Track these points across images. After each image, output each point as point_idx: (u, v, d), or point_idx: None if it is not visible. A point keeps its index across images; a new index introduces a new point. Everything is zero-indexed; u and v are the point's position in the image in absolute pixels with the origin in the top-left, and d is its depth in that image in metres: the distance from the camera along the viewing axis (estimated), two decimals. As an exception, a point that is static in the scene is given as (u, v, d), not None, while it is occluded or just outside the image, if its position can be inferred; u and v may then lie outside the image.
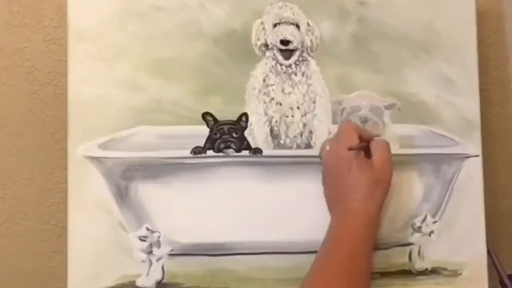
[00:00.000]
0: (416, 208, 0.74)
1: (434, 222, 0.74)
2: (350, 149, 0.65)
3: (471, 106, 0.76)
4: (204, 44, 0.71)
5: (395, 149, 0.73)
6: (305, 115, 0.73)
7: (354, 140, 0.66)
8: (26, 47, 0.74)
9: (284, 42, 0.72)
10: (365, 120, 0.72)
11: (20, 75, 0.75)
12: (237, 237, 0.70)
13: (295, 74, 0.73)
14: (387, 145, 0.68)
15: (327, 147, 0.69)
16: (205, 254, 0.70)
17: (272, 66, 0.73)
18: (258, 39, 0.72)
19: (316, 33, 0.73)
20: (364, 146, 0.66)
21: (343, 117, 0.73)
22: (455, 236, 0.74)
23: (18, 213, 0.75)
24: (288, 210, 0.71)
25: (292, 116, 0.73)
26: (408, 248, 0.73)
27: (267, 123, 0.72)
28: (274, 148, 0.72)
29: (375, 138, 0.69)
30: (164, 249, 0.69)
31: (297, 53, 0.73)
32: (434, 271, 0.73)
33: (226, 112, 0.71)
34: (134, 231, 0.69)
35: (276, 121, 0.72)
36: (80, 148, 0.68)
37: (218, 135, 0.70)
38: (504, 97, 0.85)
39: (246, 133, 0.71)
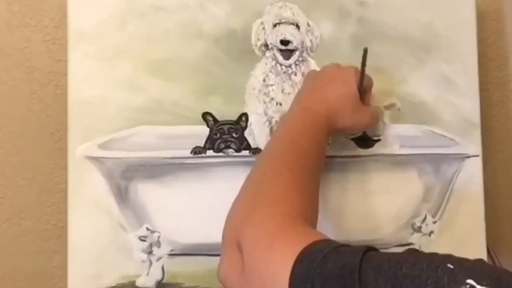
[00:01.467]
0: (416, 208, 0.74)
1: (434, 222, 0.74)
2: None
3: (471, 106, 0.76)
4: (204, 44, 0.71)
5: (395, 149, 0.73)
6: (305, 115, 0.73)
7: (356, 73, 0.66)
8: (26, 47, 0.74)
9: (284, 42, 0.72)
10: None
11: (20, 75, 0.75)
12: (237, 237, 0.70)
13: (295, 74, 0.73)
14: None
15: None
16: (205, 254, 0.70)
17: (272, 66, 0.73)
18: (258, 39, 0.72)
19: (316, 33, 0.73)
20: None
21: None
22: (455, 236, 0.74)
23: (18, 213, 0.75)
24: (288, 210, 0.71)
25: (292, 116, 0.72)
26: (408, 248, 0.73)
27: (267, 123, 0.72)
28: (274, 148, 0.72)
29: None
30: (164, 249, 0.69)
31: (297, 53, 0.73)
32: (434, 271, 0.73)
33: (226, 112, 0.71)
34: (134, 231, 0.69)
35: (276, 121, 0.72)
36: (80, 148, 0.68)
37: (218, 135, 0.70)
38: (504, 97, 0.85)
39: (246, 133, 0.71)
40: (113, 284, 0.68)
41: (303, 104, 0.64)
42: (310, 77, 0.69)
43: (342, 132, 0.67)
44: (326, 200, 0.71)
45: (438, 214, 0.74)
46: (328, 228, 0.69)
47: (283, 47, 0.72)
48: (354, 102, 0.65)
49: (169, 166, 0.69)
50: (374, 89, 0.73)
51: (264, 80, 0.72)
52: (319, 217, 0.69)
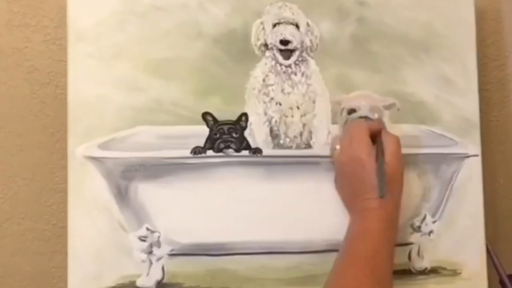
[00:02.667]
0: (415, 207, 0.74)
1: (434, 222, 0.74)
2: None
3: (471, 106, 0.76)
4: (204, 44, 0.71)
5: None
6: (305, 115, 0.73)
7: (365, 140, 0.67)
8: (26, 47, 0.74)
9: (284, 42, 0.72)
10: (364, 120, 0.72)
11: (20, 75, 0.75)
12: (237, 237, 0.70)
13: (295, 74, 0.73)
14: (396, 140, 0.68)
15: (337, 147, 0.69)
16: (205, 254, 0.70)
17: (272, 66, 0.73)
18: (258, 39, 0.72)
19: (315, 33, 0.73)
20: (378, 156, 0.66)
21: (343, 117, 0.73)
22: (455, 236, 0.74)
23: (18, 213, 0.75)
24: (288, 210, 0.71)
25: (292, 116, 0.73)
26: (407, 247, 0.73)
27: (267, 123, 0.72)
28: (274, 148, 0.72)
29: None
30: (164, 249, 0.69)
31: (297, 53, 0.73)
32: (433, 271, 0.73)
33: (226, 112, 0.71)
34: (134, 231, 0.69)
35: (276, 121, 0.72)
36: (80, 148, 0.68)
37: (218, 135, 0.70)
38: (504, 97, 0.85)
39: (246, 133, 0.71)
40: (113, 284, 0.68)
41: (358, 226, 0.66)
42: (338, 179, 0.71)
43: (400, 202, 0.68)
44: (326, 200, 0.71)
45: (438, 214, 0.74)
46: (328, 228, 0.69)
47: (282, 47, 0.72)
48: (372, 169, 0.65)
49: (169, 166, 0.69)
50: (373, 89, 0.74)
51: (264, 80, 0.72)
52: (320, 215, 0.69)
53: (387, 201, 0.65)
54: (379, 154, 0.66)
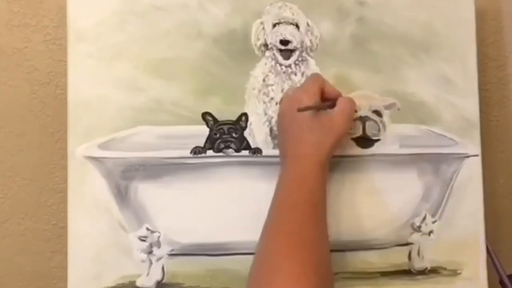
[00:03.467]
0: (415, 207, 0.74)
1: (434, 222, 0.74)
2: (298, 110, 0.64)
3: (471, 106, 0.76)
4: (204, 44, 0.71)
5: (395, 149, 0.73)
6: (305, 115, 0.73)
7: (312, 90, 0.66)
8: (26, 47, 0.74)
9: (284, 42, 0.72)
10: (364, 120, 0.72)
11: (20, 75, 0.75)
12: (237, 237, 0.70)
13: (295, 74, 0.73)
14: (351, 101, 0.67)
15: (289, 92, 0.69)
16: (205, 254, 0.70)
17: (272, 66, 0.73)
18: (258, 39, 0.72)
19: (315, 33, 0.73)
20: (314, 107, 0.65)
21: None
22: (455, 236, 0.74)
23: (18, 213, 0.75)
24: (288, 210, 0.71)
25: (292, 116, 0.73)
26: (407, 247, 0.73)
27: (267, 123, 0.72)
28: (274, 148, 0.72)
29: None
30: (164, 249, 0.69)
31: (297, 53, 0.73)
32: (433, 271, 0.73)
33: (226, 112, 0.71)
34: (134, 231, 0.69)
35: (276, 121, 0.72)
36: (80, 148, 0.68)
37: (218, 135, 0.70)
38: (504, 97, 0.85)
39: (246, 133, 0.71)
40: (113, 284, 0.68)
41: (288, 168, 0.65)
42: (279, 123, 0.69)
43: (332, 151, 0.67)
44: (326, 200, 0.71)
45: (438, 214, 0.74)
46: (328, 228, 0.69)
47: (282, 47, 0.72)
48: (312, 124, 0.65)
49: (169, 166, 0.69)
50: (373, 89, 0.73)
51: (264, 80, 0.72)
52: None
53: (321, 150, 0.64)
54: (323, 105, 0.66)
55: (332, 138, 0.65)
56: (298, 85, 0.72)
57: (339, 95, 0.68)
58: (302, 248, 0.59)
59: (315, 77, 0.68)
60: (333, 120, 0.65)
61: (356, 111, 0.69)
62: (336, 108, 0.66)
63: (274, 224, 0.62)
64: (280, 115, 0.68)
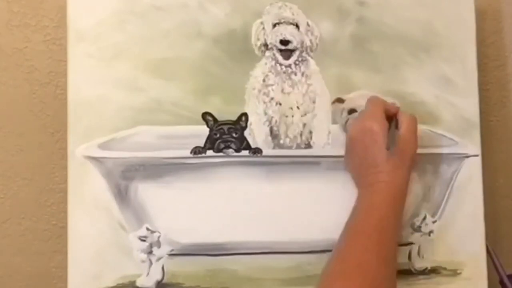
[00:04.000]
0: (415, 207, 0.74)
1: (434, 222, 0.74)
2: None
3: (471, 106, 0.76)
4: (204, 44, 0.71)
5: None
6: (305, 115, 0.73)
7: (379, 115, 0.67)
8: (26, 47, 0.75)
9: (284, 42, 0.72)
10: None
11: (20, 75, 0.75)
12: (237, 237, 0.70)
13: (295, 74, 0.73)
14: (413, 118, 0.68)
15: (356, 121, 0.69)
16: (205, 254, 0.70)
17: (272, 66, 0.73)
18: (258, 39, 0.72)
19: (315, 33, 0.73)
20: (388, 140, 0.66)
21: (343, 117, 0.73)
22: (455, 236, 0.74)
23: (18, 213, 0.75)
24: (288, 210, 0.71)
25: (292, 116, 0.73)
26: (407, 247, 0.73)
27: (267, 123, 0.72)
28: (274, 148, 0.72)
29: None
30: (164, 249, 0.69)
31: (297, 53, 0.73)
32: (433, 271, 0.73)
33: (226, 112, 0.71)
34: (134, 231, 0.69)
35: (276, 121, 0.72)
36: (80, 148, 0.68)
37: (218, 135, 0.70)
38: (504, 97, 0.85)
39: (246, 133, 0.71)
40: (113, 284, 0.68)
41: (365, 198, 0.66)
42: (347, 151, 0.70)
43: (410, 174, 0.67)
44: (326, 200, 0.71)
45: (438, 214, 0.74)
46: (328, 228, 0.69)
47: (282, 47, 0.72)
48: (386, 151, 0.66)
49: (169, 166, 0.69)
50: (374, 89, 0.73)
51: (264, 80, 0.72)
52: (320, 216, 0.69)
53: (396, 176, 0.65)
54: (392, 128, 0.67)
55: (407, 160, 0.66)
56: (298, 85, 0.72)
57: (398, 110, 0.70)
58: (358, 276, 0.60)
59: (375, 100, 0.69)
60: (403, 142, 0.67)
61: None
62: (402, 129, 0.67)
63: (338, 252, 0.63)
64: (352, 144, 0.69)
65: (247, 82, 0.72)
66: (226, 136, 0.71)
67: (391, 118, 0.69)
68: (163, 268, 0.69)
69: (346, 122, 0.72)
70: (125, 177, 0.69)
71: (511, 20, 0.84)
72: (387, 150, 0.65)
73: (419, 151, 0.73)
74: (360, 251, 0.61)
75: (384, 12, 0.75)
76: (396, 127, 0.68)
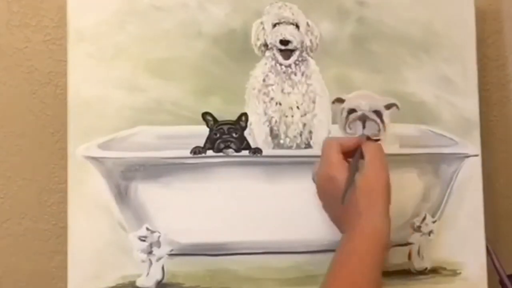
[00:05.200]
0: (415, 207, 0.74)
1: (434, 222, 0.74)
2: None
3: (470, 106, 0.76)
4: (204, 44, 0.71)
5: (395, 149, 0.73)
6: (305, 115, 0.73)
7: (335, 157, 0.64)
8: (26, 47, 0.74)
9: (284, 42, 0.72)
10: (364, 120, 0.73)
11: (20, 75, 0.75)
12: (237, 237, 0.70)
13: (295, 74, 0.73)
14: (375, 148, 0.64)
15: (315, 170, 0.67)
16: (205, 254, 0.70)
17: (272, 66, 0.73)
18: (258, 39, 0.72)
19: (315, 33, 0.73)
20: (347, 186, 0.62)
21: (343, 117, 0.73)
22: (455, 236, 0.74)
23: (18, 213, 0.75)
24: (288, 210, 0.71)
25: (292, 116, 0.73)
26: (407, 247, 0.74)
27: (267, 123, 0.72)
28: (274, 148, 0.72)
29: (365, 139, 0.66)
30: (164, 249, 0.69)
31: (297, 53, 0.73)
32: (433, 271, 0.73)
33: (226, 112, 0.71)
34: (134, 231, 0.69)
35: (276, 121, 0.72)
36: (80, 148, 0.68)
37: (218, 135, 0.70)
38: (504, 97, 0.85)
39: (246, 133, 0.71)
40: (113, 284, 0.68)
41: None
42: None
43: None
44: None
45: (438, 214, 0.74)
46: (328, 228, 0.69)
47: (282, 47, 0.72)
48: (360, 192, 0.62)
49: (169, 166, 0.69)
50: (373, 89, 0.74)
51: (264, 80, 0.72)
52: (320, 216, 0.69)
53: (370, 216, 0.61)
54: (353, 166, 0.63)
55: (379, 196, 0.62)
56: (298, 85, 0.72)
57: (360, 141, 0.66)
58: None
59: (327, 143, 0.66)
60: (368, 178, 0.62)
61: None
62: (366, 159, 0.63)
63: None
64: (318, 191, 0.66)
65: (247, 82, 0.72)
66: (226, 136, 0.71)
67: (355, 150, 0.65)
68: (163, 268, 0.69)
69: (347, 122, 0.72)
70: (125, 177, 0.69)
71: (511, 20, 0.84)
72: (344, 196, 0.61)
73: (419, 151, 0.74)
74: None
75: (384, 12, 0.75)
76: (362, 157, 0.64)
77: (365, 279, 0.60)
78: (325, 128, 0.73)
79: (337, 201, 0.61)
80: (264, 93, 0.72)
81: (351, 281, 0.60)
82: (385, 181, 0.62)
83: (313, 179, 0.67)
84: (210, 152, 0.70)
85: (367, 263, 0.60)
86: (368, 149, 0.64)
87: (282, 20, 0.72)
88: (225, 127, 0.71)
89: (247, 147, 0.71)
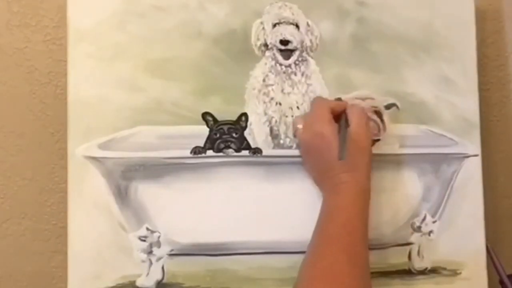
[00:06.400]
0: (415, 207, 0.74)
1: (434, 222, 0.74)
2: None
3: (470, 106, 0.76)
4: (204, 44, 0.71)
5: (395, 149, 0.73)
6: (305, 115, 0.73)
7: (326, 116, 0.67)
8: (26, 47, 0.74)
9: (284, 42, 0.72)
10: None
11: (20, 75, 0.75)
12: (237, 237, 0.70)
13: (295, 74, 0.73)
14: (360, 111, 0.68)
15: (299, 126, 0.69)
16: (205, 254, 0.70)
17: (272, 66, 0.73)
18: (258, 39, 0.72)
19: (315, 33, 0.73)
20: (341, 145, 0.65)
21: (343, 117, 0.73)
22: (455, 236, 0.74)
23: (18, 213, 0.75)
24: (288, 210, 0.71)
25: (292, 116, 0.73)
26: (407, 247, 0.73)
27: (267, 123, 0.72)
28: (274, 148, 0.72)
29: (350, 104, 0.69)
30: (164, 249, 0.69)
31: (297, 53, 0.73)
32: (433, 271, 0.73)
33: (226, 112, 0.71)
34: (134, 231, 0.69)
35: (276, 121, 0.72)
36: (80, 148, 0.68)
37: (218, 135, 0.70)
38: (504, 97, 0.85)
39: (246, 133, 0.71)
40: (113, 284, 0.68)
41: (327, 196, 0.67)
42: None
43: (369, 169, 0.68)
44: (326, 200, 0.71)
45: (438, 214, 0.74)
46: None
47: (282, 47, 0.72)
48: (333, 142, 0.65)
49: (169, 166, 0.69)
50: (373, 89, 0.73)
51: (264, 80, 0.72)
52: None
53: (356, 173, 0.65)
54: (342, 127, 0.66)
55: (364, 156, 0.66)
56: (298, 85, 0.72)
57: (345, 106, 0.69)
58: (330, 280, 0.60)
59: (320, 102, 0.70)
60: (355, 138, 0.65)
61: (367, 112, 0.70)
62: (352, 125, 0.66)
63: (309, 257, 0.63)
64: (303, 147, 0.69)
65: (247, 82, 0.72)
66: (226, 136, 0.71)
67: (340, 115, 0.68)
68: (163, 268, 0.69)
69: (346, 122, 0.72)
70: (125, 177, 0.69)
71: (511, 20, 0.84)
72: (341, 151, 0.64)
73: (419, 151, 0.74)
74: (330, 254, 0.61)
75: (384, 12, 0.75)
76: (347, 123, 0.67)
77: (358, 225, 0.63)
78: (325, 128, 0.73)
79: (323, 157, 0.65)
80: (264, 93, 0.72)
81: (341, 232, 0.63)
82: (370, 140, 0.68)
83: (294, 135, 0.70)
84: (210, 152, 0.70)
85: (364, 216, 0.64)
86: (353, 114, 0.67)
87: (282, 20, 0.72)
88: (225, 127, 0.71)
89: (247, 147, 0.71)
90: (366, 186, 0.66)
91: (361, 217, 0.64)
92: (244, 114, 0.71)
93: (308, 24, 0.73)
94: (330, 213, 0.65)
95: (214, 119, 0.71)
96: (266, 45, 0.72)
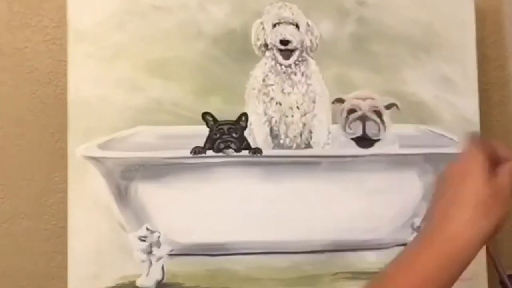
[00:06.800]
0: (416, 208, 0.74)
1: (434, 222, 0.74)
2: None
3: (470, 106, 0.76)
4: (204, 44, 0.71)
5: (395, 149, 0.73)
6: (305, 115, 0.73)
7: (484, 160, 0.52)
8: (26, 47, 0.75)
9: (284, 42, 0.72)
10: (364, 120, 0.73)
11: (20, 75, 0.75)
12: (237, 237, 0.70)
13: (295, 74, 0.73)
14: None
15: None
16: (205, 254, 0.70)
17: (272, 66, 0.73)
18: (258, 39, 0.72)
19: (315, 33, 0.73)
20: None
21: (343, 117, 0.73)
22: (455, 236, 0.74)
23: (18, 213, 0.75)
24: (288, 210, 0.71)
25: (292, 116, 0.73)
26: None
27: (267, 123, 0.72)
28: (274, 148, 0.72)
29: None
30: (164, 249, 0.69)
31: (297, 53, 0.73)
32: (433, 271, 0.73)
33: (226, 112, 0.71)
34: (134, 231, 0.69)
35: (276, 121, 0.72)
36: (80, 148, 0.68)
37: (218, 135, 0.70)
38: (504, 97, 0.85)
39: (246, 133, 0.71)
40: (113, 284, 0.68)
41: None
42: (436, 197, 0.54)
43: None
44: (326, 200, 0.71)
45: (438, 214, 0.74)
46: (328, 228, 0.69)
47: (282, 47, 0.72)
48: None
49: (169, 166, 0.69)
50: (373, 89, 0.74)
51: (263, 80, 0.72)
52: (319, 216, 0.69)
53: (479, 226, 0.50)
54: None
55: (501, 211, 0.51)
56: (298, 85, 0.72)
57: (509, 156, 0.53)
58: None
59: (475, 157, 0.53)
60: (500, 183, 0.51)
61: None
62: (503, 169, 0.52)
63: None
64: (447, 181, 0.53)
65: (247, 82, 0.72)
66: (226, 136, 0.71)
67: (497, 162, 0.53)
68: (163, 268, 0.69)
69: (346, 122, 0.72)
70: (125, 177, 0.69)
71: (511, 20, 0.84)
72: (477, 190, 0.51)
73: (419, 151, 0.74)
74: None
75: (384, 12, 0.75)
76: None
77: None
78: (325, 128, 0.73)
79: (450, 202, 0.51)
80: (264, 93, 0.72)
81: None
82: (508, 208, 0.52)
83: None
84: (210, 152, 0.70)
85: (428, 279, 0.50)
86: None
87: (282, 20, 0.72)
88: (225, 127, 0.71)
89: (247, 147, 0.71)
90: (477, 247, 0.51)
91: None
92: (244, 114, 0.71)
93: (308, 24, 0.73)
94: (411, 260, 0.51)
95: (214, 119, 0.71)
96: (266, 45, 0.72)
